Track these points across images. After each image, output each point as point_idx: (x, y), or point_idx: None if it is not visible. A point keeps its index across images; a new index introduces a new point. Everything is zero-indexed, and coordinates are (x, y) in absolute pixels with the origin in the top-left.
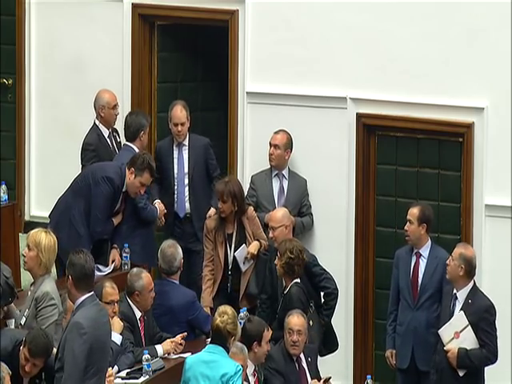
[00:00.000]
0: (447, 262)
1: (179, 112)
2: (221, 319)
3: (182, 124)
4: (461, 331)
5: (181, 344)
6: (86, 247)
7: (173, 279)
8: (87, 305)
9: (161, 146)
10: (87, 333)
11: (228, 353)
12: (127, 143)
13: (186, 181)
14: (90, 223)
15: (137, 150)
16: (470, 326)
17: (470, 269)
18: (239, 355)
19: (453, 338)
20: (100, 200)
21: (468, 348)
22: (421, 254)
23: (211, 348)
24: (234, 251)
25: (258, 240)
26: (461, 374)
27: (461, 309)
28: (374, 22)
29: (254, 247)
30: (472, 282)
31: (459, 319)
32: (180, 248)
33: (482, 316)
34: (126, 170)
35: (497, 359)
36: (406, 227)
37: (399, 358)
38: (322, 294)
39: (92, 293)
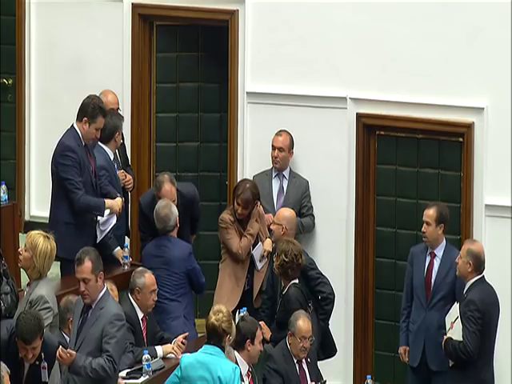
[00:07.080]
0: (456, 260)
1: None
2: (216, 317)
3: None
4: (454, 322)
5: (183, 343)
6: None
7: (169, 235)
8: (110, 298)
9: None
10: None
11: (224, 352)
12: (100, 144)
13: None
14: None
15: (109, 153)
16: (459, 318)
17: (477, 264)
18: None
19: (450, 328)
20: (65, 174)
21: (455, 339)
22: (435, 255)
23: (208, 348)
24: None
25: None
26: (450, 363)
27: (457, 301)
28: (375, 21)
29: (268, 245)
30: (477, 276)
31: (454, 310)
32: (175, 207)
33: (463, 310)
34: (77, 123)
35: (472, 356)
36: (423, 229)
37: (410, 356)
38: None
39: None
